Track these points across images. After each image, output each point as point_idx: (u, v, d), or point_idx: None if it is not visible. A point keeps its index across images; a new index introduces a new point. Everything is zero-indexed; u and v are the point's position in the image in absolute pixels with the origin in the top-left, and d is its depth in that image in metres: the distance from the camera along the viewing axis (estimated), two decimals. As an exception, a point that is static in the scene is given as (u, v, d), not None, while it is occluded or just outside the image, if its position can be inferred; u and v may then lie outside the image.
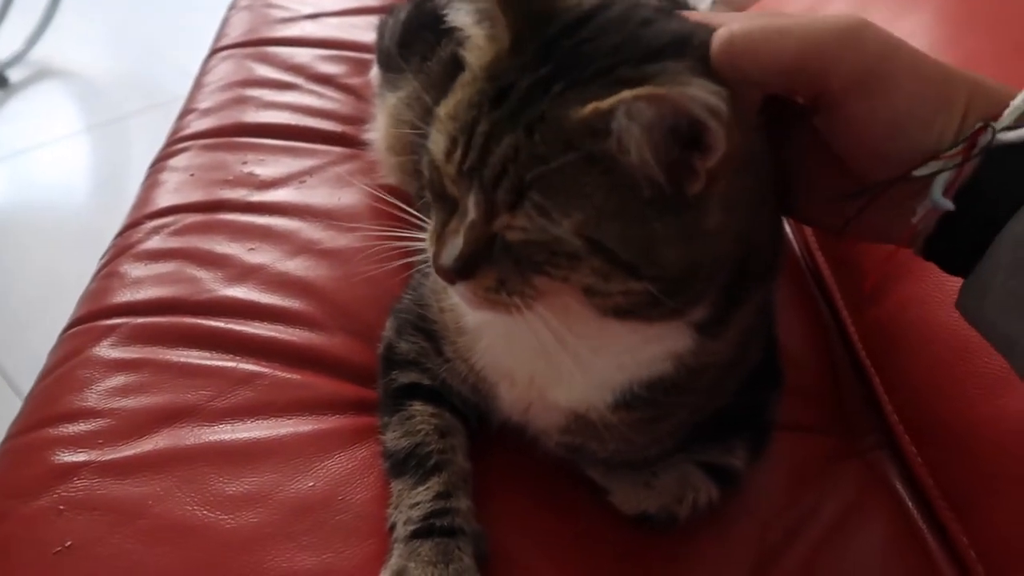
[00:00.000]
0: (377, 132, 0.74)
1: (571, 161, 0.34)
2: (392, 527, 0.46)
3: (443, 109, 0.39)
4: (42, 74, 1.80)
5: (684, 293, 0.38)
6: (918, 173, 0.37)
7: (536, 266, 0.36)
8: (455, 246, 0.37)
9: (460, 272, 0.37)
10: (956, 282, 0.54)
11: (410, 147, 0.67)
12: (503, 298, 0.38)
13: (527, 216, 0.35)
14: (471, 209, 0.37)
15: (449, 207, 0.39)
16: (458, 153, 0.37)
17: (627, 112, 0.33)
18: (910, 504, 0.53)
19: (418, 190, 0.62)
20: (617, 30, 0.38)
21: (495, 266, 0.37)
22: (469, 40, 0.41)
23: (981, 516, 0.49)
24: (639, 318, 0.39)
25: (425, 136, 0.41)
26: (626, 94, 0.32)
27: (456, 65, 0.60)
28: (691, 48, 0.37)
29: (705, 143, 0.33)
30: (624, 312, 0.38)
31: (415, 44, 0.72)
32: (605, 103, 0.33)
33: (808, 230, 0.72)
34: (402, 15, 0.77)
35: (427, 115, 0.67)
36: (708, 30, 0.37)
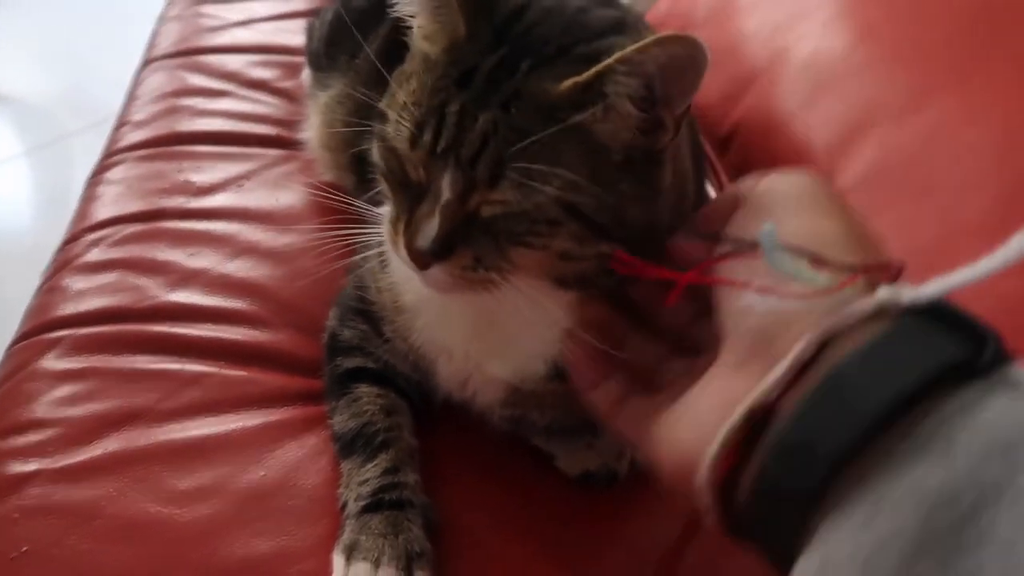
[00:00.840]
0: (311, 131, 0.76)
1: (551, 132, 0.36)
2: (344, 505, 0.48)
3: (402, 98, 0.40)
4: (-25, 99, 1.77)
5: (644, 255, 0.38)
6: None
7: (516, 237, 0.38)
8: (431, 228, 0.38)
9: (438, 253, 0.38)
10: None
11: (345, 143, 0.69)
12: (480, 275, 0.39)
13: (510, 188, 0.37)
14: (446, 189, 0.38)
15: (412, 194, 0.40)
16: (427, 136, 0.38)
17: (615, 78, 0.36)
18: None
19: (357, 183, 0.64)
20: (559, 16, 0.41)
21: (471, 245, 0.38)
22: (418, 30, 0.42)
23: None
24: (594, 285, 0.41)
25: (368, 130, 0.43)
26: (610, 61, 0.36)
27: (386, 59, 0.62)
28: (628, 28, 0.41)
29: (680, 89, 0.36)
30: (586, 280, 0.41)
31: (342, 43, 0.73)
32: (583, 76, 0.36)
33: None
34: (328, 16, 0.78)
35: (360, 110, 0.69)
36: (636, 14, 0.42)
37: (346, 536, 0.46)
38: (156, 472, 0.50)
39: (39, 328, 0.61)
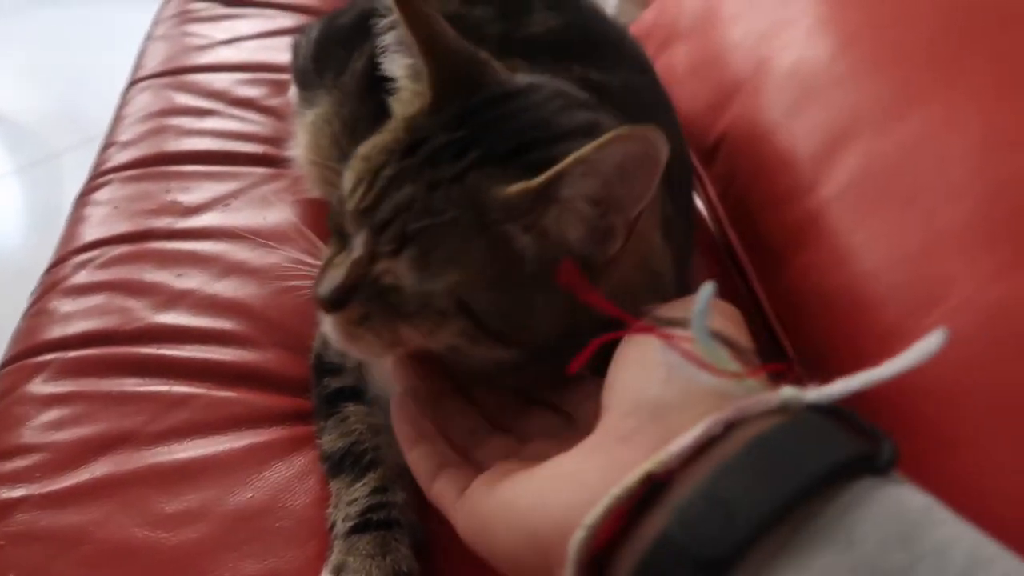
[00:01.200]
0: (299, 148, 0.76)
1: (463, 225, 0.36)
2: (332, 526, 0.48)
3: (361, 149, 0.41)
4: (-35, 120, 1.77)
5: (554, 359, 0.35)
6: None
7: (405, 315, 0.38)
8: (335, 278, 0.38)
9: (333, 303, 0.38)
10: (854, 245, 0.58)
11: (332, 161, 0.69)
12: (363, 334, 0.39)
13: (406, 266, 0.37)
14: (357, 247, 0.38)
15: (342, 241, 0.40)
16: (359, 192, 0.39)
17: (571, 180, 0.35)
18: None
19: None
20: (534, 113, 0.40)
21: (365, 305, 0.38)
22: (399, 91, 0.43)
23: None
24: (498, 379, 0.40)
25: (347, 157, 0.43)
26: (567, 162, 0.34)
27: (369, 78, 0.62)
28: (600, 131, 0.38)
29: (635, 191, 0.35)
30: (486, 373, 0.40)
31: (328, 60, 0.74)
32: (535, 183, 0.35)
33: (721, 207, 0.76)
34: (314, 33, 0.79)
35: (346, 128, 0.69)
36: (613, 120, 0.40)
37: (334, 557, 0.45)
38: (143, 496, 0.50)
39: (26, 352, 0.61)
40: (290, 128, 0.81)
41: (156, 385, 0.57)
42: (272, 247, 0.67)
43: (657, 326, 0.29)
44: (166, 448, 0.53)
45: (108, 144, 0.83)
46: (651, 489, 0.24)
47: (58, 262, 0.69)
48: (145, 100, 0.88)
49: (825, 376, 0.57)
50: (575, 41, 0.61)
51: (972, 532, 0.22)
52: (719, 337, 0.28)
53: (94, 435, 0.53)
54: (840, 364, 0.55)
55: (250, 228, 0.71)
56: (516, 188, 0.36)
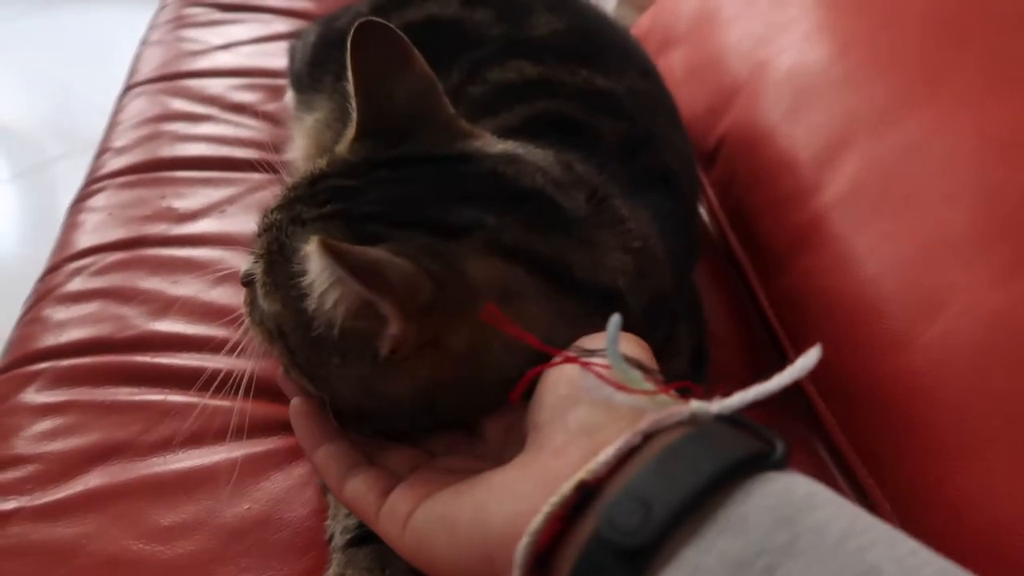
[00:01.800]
0: (296, 153, 0.75)
1: (287, 267, 0.37)
2: (330, 538, 0.47)
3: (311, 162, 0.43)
4: (-42, 128, 1.76)
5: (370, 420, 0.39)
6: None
7: (256, 321, 0.41)
8: (248, 262, 0.42)
9: (242, 280, 0.43)
10: (855, 250, 0.57)
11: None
12: (247, 315, 0.42)
13: (258, 276, 0.40)
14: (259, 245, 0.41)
15: None
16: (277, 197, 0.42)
17: (314, 259, 0.33)
18: (830, 464, 0.56)
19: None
20: (425, 188, 0.39)
21: (254, 294, 0.41)
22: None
23: (890, 468, 0.51)
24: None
25: None
26: (313, 243, 0.32)
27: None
28: (455, 235, 0.37)
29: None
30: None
31: (326, 64, 0.73)
32: (307, 247, 0.33)
33: (720, 210, 0.75)
34: (311, 37, 0.78)
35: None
36: (509, 227, 0.38)
37: (332, 570, 0.45)
38: (138, 508, 0.49)
39: (20, 360, 0.60)
40: (287, 133, 0.80)
41: (151, 394, 0.56)
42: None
43: (579, 356, 0.32)
44: (161, 459, 0.52)
45: (103, 150, 0.82)
46: (584, 495, 0.27)
47: (52, 269, 0.68)
48: (140, 106, 0.87)
49: (828, 379, 0.57)
50: (580, 44, 0.61)
51: (851, 510, 0.25)
52: (632, 362, 0.31)
53: (88, 446, 0.53)
54: (846, 370, 0.54)
55: (245, 234, 0.70)
56: (305, 250, 0.34)
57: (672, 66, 0.85)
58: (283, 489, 0.51)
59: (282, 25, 1.00)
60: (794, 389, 0.61)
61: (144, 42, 1.01)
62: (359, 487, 0.36)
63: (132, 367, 0.58)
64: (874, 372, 0.53)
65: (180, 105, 0.86)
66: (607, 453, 0.27)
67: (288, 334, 0.38)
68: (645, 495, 0.26)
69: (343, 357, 0.36)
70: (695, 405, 0.28)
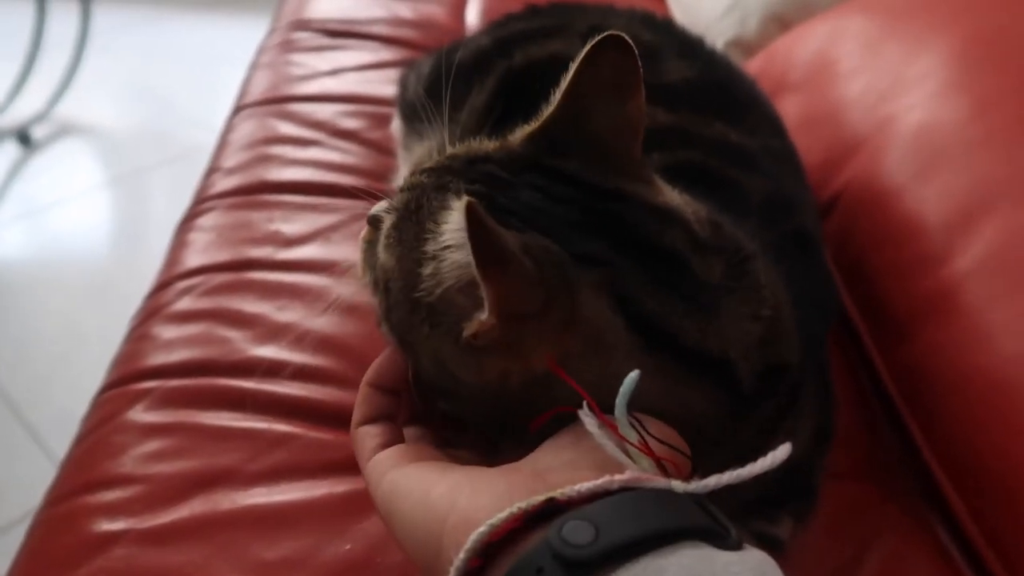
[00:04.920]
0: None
1: (416, 230, 0.37)
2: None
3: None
4: (64, 131, 1.84)
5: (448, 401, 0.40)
6: None
7: (368, 263, 0.42)
8: (382, 204, 0.42)
9: (368, 220, 0.43)
10: (987, 324, 0.54)
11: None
12: (362, 251, 0.44)
13: (386, 224, 0.40)
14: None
15: None
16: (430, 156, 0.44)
17: (455, 218, 0.34)
18: (955, 552, 0.52)
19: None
20: (576, 209, 0.38)
21: (372, 236, 0.42)
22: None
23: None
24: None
25: None
26: (463, 201, 0.32)
27: (488, 115, 0.62)
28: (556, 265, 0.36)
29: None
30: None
31: (442, 95, 0.73)
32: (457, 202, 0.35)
33: (835, 269, 0.72)
34: (425, 68, 0.78)
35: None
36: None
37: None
38: (242, 539, 0.49)
39: (128, 377, 0.61)
40: (392, 162, 0.80)
41: (255, 422, 0.56)
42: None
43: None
44: (264, 489, 0.52)
45: (212, 170, 0.84)
46: (547, 511, 0.29)
47: (162, 286, 0.69)
48: (249, 127, 0.89)
49: (957, 462, 0.53)
50: (713, 95, 0.59)
51: None
52: (640, 425, 0.33)
53: (193, 470, 0.53)
54: (979, 453, 0.51)
55: (350, 263, 0.70)
56: (443, 223, 0.35)
57: (785, 113, 0.82)
58: (381, 531, 0.50)
59: (387, 53, 1.01)
60: (912, 465, 0.58)
61: (254, 64, 1.03)
62: (368, 431, 0.39)
63: (237, 392, 0.58)
64: (1010, 457, 0.50)
65: (288, 129, 0.87)
66: (584, 485, 0.30)
67: (392, 290, 0.38)
68: (598, 522, 0.28)
69: (432, 327, 0.37)
70: (674, 482, 0.31)
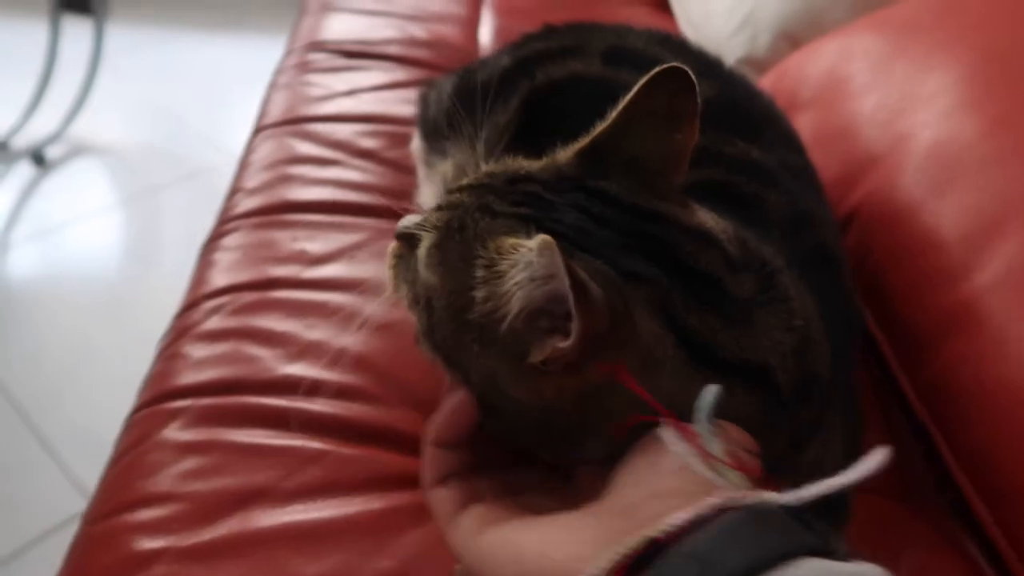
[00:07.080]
0: (425, 199, 0.76)
1: (462, 248, 0.37)
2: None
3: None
4: (78, 151, 1.85)
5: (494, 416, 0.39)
6: None
7: (406, 279, 0.42)
8: (412, 219, 0.42)
9: (398, 234, 0.43)
10: (1009, 338, 0.55)
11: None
12: (393, 266, 0.44)
13: (424, 242, 0.40)
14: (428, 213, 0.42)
15: None
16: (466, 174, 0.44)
17: (533, 255, 0.34)
18: (985, 566, 0.53)
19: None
20: (617, 230, 0.38)
21: (403, 250, 0.43)
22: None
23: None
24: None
25: None
26: (540, 239, 0.33)
27: (513, 134, 0.63)
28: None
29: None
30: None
31: (464, 113, 0.74)
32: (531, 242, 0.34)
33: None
34: (447, 87, 0.79)
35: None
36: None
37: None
38: (282, 557, 0.49)
39: (161, 397, 0.62)
40: (411, 181, 0.82)
41: (289, 439, 0.57)
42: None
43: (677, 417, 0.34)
44: (302, 506, 0.53)
45: (234, 190, 0.85)
46: (649, 552, 0.29)
47: (190, 306, 0.70)
48: (269, 148, 0.90)
49: (983, 472, 0.54)
50: (733, 113, 0.60)
51: None
52: (721, 436, 0.33)
53: (230, 488, 0.54)
54: (1009, 468, 0.52)
55: (376, 281, 0.71)
56: (504, 243, 0.36)
57: (797, 130, 0.84)
58: (422, 548, 0.51)
59: (402, 73, 1.03)
60: (940, 480, 0.58)
61: (272, 85, 1.05)
62: (445, 493, 0.39)
63: (270, 410, 0.59)
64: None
65: (308, 149, 0.89)
66: (679, 516, 0.29)
67: (435, 308, 0.38)
68: (702, 556, 0.28)
69: (485, 347, 0.37)
70: (765, 494, 0.30)
